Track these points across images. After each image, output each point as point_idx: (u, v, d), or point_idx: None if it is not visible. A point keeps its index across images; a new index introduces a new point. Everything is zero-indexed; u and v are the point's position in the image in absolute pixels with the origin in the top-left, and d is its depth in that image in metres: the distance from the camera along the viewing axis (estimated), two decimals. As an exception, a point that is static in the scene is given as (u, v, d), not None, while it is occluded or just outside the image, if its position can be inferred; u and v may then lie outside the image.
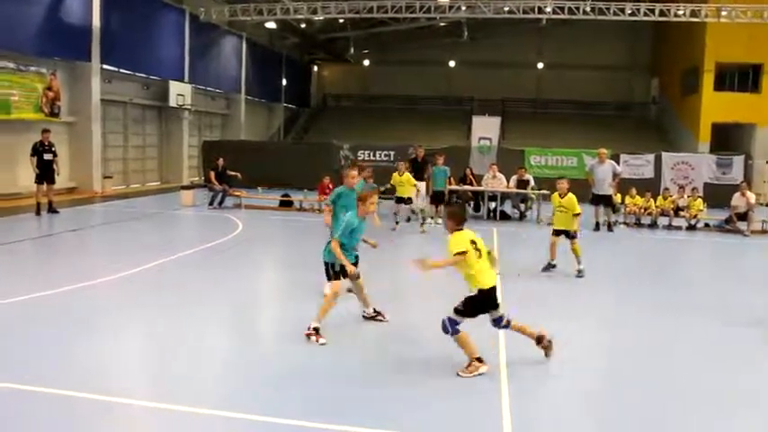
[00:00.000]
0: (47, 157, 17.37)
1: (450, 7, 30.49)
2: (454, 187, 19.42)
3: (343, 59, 49.44)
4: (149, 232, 16.40)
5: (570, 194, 11.63)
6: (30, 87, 21.45)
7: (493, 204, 19.81)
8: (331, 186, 20.41)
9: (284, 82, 44.80)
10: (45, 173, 17.37)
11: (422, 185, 18.36)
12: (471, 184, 20.43)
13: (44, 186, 17.39)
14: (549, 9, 28.90)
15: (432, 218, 17.92)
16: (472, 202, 20.41)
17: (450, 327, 6.36)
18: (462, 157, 25.43)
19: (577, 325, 8.36)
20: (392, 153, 27.14)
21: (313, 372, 6.41)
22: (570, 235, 11.53)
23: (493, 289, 6.46)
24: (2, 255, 12.13)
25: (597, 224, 17.67)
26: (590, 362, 7.13)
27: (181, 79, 30.57)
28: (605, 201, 17.83)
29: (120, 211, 19.07)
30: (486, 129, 32.94)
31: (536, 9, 28.84)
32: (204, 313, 8.55)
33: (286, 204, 21.03)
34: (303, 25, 40.18)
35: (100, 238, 15.34)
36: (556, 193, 11.95)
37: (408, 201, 17.43)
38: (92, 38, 24.16)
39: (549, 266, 11.77)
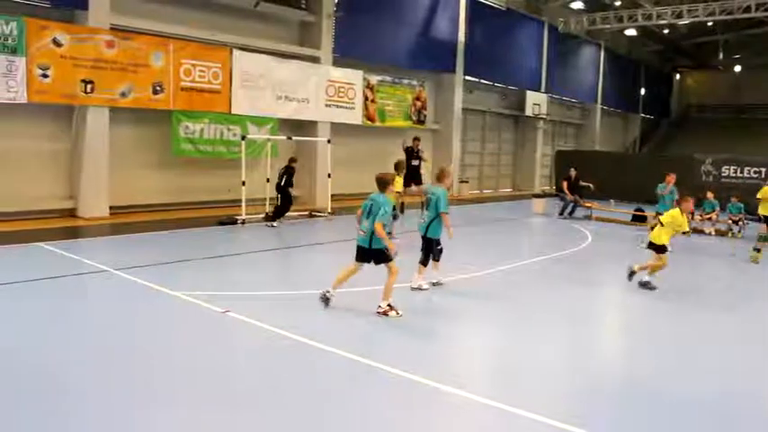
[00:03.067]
0: (414, 162, 18.72)
1: None
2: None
3: (711, 66, 45.35)
4: (502, 237, 16.76)
5: None
6: (401, 98, 23.63)
7: None
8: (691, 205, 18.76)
9: (642, 91, 42.74)
10: (413, 176, 18.73)
11: None
12: None
13: (412, 188, 18.77)
14: None
15: None
16: None
17: None
18: None
19: None
20: (763, 170, 23.96)
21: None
22: None
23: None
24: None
25: None
26: None
27: (537, 89, 31.00)
28: None
29: (474, 215, 19.87)
30: None
31: None
32: (545, 321, 8.38)
33: (639, 219, 19.83)
34: (666, 31, 37.83)
35: (455, 239, 16.09)
36: None
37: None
38: (457, 51, 25.76)
39: None
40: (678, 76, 50.09)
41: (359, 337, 7.29)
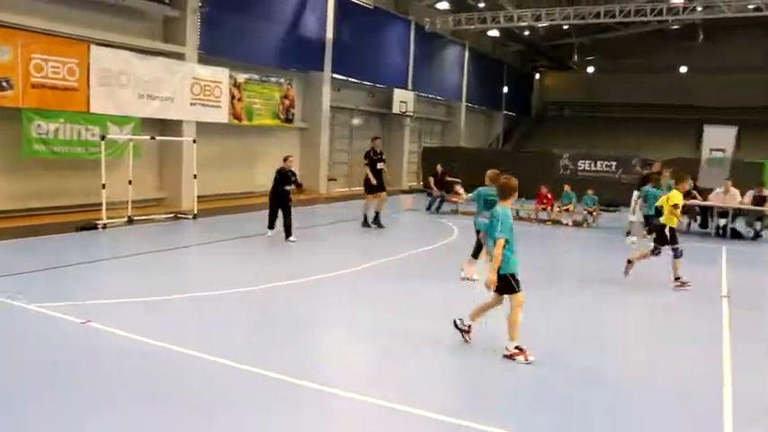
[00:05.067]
0: (379, 166, 17.27)
1: (685, 8, 28.39)
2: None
3: (567, 67, 48.04)
4: (368, 235, 16.97)
5: None
6: (269, 96, 23.39)
7: (723, 221, 18.12)
8: (549, 196, 19.89)
9: (505, 90, 44.56)
10: (380, 182, 17.24)
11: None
12: (695, 198, 18.70)
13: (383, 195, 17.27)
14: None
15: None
16: (699, 218, 18.97)
17: None
18: (689, 170, 23.16)
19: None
20: (614, 164, 25.88)
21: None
22: None
23: None
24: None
25: None
26: None
27: (404, 87, 31.61)
28: None
29: (343, 213, 20.02)
30: (719, 140, 29.96)
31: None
32: (417, 315, 8.62)
33: (502, 212, 20.73)
34: (526, 33, 39.73)
35: (325, 237, 16.16)
36: None
37: None
38: (325, 50, 25.81)
39: None
40: (538, 76, 52.65)
41: (222, 340, 7.20)
